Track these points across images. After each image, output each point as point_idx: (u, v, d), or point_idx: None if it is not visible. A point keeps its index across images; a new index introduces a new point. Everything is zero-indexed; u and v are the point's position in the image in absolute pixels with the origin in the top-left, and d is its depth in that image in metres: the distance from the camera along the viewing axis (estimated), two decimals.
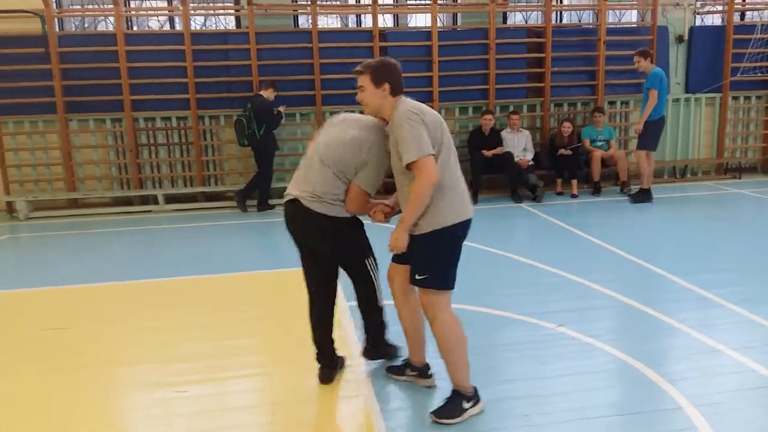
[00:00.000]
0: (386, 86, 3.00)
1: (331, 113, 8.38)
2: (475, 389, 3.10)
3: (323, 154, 3.15)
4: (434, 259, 2.97)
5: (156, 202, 8.51)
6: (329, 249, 3.26)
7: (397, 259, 3.20)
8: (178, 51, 8.42)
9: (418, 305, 3.15)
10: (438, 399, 3.19)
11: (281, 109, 8.13)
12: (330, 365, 3.44)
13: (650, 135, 7.79)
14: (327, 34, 8.76)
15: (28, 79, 8.22)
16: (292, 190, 3.21)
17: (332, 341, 3.45)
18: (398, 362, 3.54)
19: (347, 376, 3.51)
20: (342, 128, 3.22)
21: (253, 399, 3.31)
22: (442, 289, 3.01)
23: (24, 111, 8.33)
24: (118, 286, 5.27)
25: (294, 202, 3.16)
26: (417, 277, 2.98)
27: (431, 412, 3.02)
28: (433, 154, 2.85)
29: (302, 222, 3.18)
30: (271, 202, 8.22)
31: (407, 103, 3.00)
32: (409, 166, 2.83)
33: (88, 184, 8.70)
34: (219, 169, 8.99)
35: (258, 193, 8.19)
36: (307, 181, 3.15)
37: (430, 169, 2.81)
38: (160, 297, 5.00)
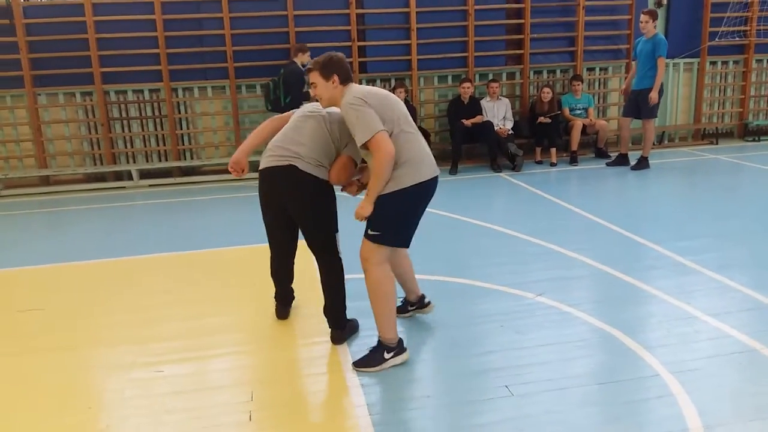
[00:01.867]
0: (335, 78, 3.20)
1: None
2: (400, 341, 3.33)
3: (327, 120, 3.37)
4: (389, 218, 3.19)
5: (130, 178, 8.34)
6: (313, 212, 3.40)
7: None
8: (148, 21, 8.17)
9: (401, 252, 3.60)
10: (416, 374, 3.20)
11: (310, 92, 7.90)
12: (287, 303, 3.93)
13: (655, 103, 7.77)
14: (303, 1, 8.54)
15: None
16: (282, 153, 3.30)
17: (292, 289, 3.93)
18: (397, 303, 3.68)
19: (324, 352, 3.49)
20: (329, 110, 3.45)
21: (231, 378, 3.28)
22: (395, 245, 3.32)
23: None
24: (93, 265, 5.17)
25: (286, 167, 3.27)
26: (370, 232, 3.22)
27: (353, 363, 3.27)
28: (383, 130, 3.03)
29: (294, 184, 3.29)
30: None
31: (352, 90, 3.17)
32: (365, 145, 3.05)
33: (59, 160, 8.50)
34: (194, 143, 8.83)
35: None
36: (299, 145, 3.31)
37: (384, 144, 3.01)
38: (137, 275, 4.91)
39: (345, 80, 3.22)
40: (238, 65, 8.43)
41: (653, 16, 7.65)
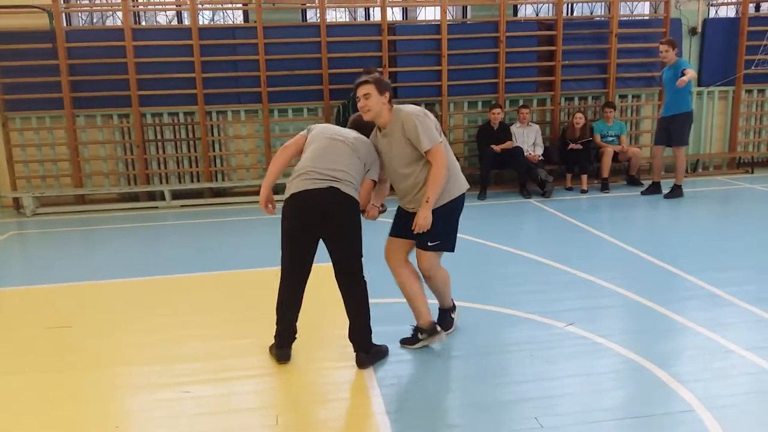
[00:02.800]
0: (387, 95, 3.50)
1: (336, 110, 8.46)
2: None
3: (354, 146, 3.50)
4: (446, 227, 3.61)
5: (163, 198, 8.49)
6: (349, 233, 3.46)
7: (396, 233, 3.77)
8: (185, 46, 8.38)
9: (414, 271, 3.74)
10: (444, 402, 3.15)
11: None
12: (289, 344, 3.65)
13: (685, 129, 7.67)
14: (335, 28, 8.69)
15: (35, 75, 8.21)
16: (319, 176, 3.33)
17: (296, 327, 3.66)
18: (408, 334, 3.81)
19: (349, 377, 3.46)
20: (347, 131, 3.63)
21: (256, 401, 3.27)
22: (450, 250, 3.71)
23: (31, 107, 8.33)
24: (123, 284, 5.25)
25: (327, 189, 3.32)
26: (430, 243, 3.57)
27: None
28: (441, 142, 3.48)
29: (336, 206, 3.36)
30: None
31: (408, 107, 3.53)
32: (426, 153, 3.42)
33: (95, 179, 8.70)
34: (226, 165, 8.96)
35: None
36: (336, 167, 3.38)
37: (442, 154, 3.45)
38: (165, 295, 4.97)
39: (391, 100, 3.56)
40: (271, 90, 8.57)
41: (672, 44, 7.58)
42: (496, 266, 5.41)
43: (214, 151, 8.84)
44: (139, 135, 8.51)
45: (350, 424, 3.01)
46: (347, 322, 3.59)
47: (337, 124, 8.42)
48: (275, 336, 3.64)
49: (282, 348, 3.62)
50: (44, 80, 8.22)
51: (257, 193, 8.51)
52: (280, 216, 3.49)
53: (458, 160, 8.57)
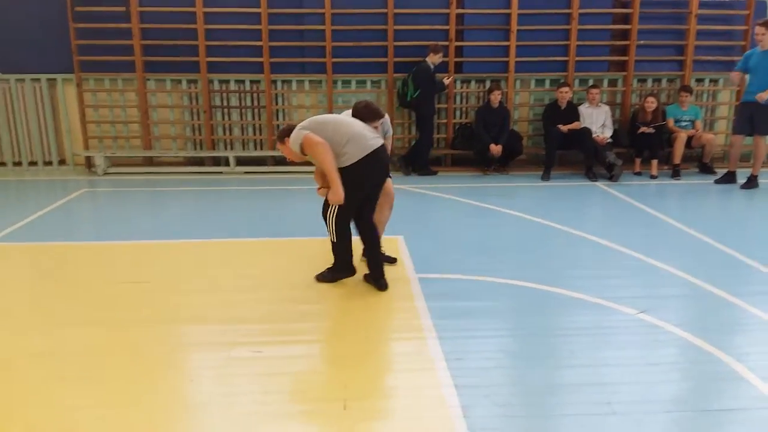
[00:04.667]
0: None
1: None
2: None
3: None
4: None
5: (227, 164, 8.64)
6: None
7: None
8: (254, 14, 8.43)
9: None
10: (512, 379, 3.12)
11: (445, 80, 8.33)
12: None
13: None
14: (403, 0, 8.57)
15: (109, 38, 8.42)
16: (373, 136, 4.13)
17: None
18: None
19: (416, 348, 3.46)
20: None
21: (324, 365, 3.31)
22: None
23: (105, 69, 8.56)
24: (190, 244, 5.38)
25: (383, 146, 4.16)
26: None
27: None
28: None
29: (388, 160, 4.29)
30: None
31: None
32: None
33: (163, 143, 8.92)
34: None
35: (417, 156, 8.42)
36: (369, 130, 4.17)
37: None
38: (231, 257, 5.07)
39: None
40: (336, 61, 8.56)
41: None
42: (561, 248, 5.29)
43: (277, 119, 8.92)
44: (206, 101, 8.65)
45: (418, 396, 3.01)
46: (403, 294, 4.03)
47: (398, 97, 8.40)
48: (344, 265, 4.39)
49: (382, 279, 4.33)
50: (118, 43, 8.42)
51: None
52: (352, 169, 3.97)
53: (522, 139, 8.49)
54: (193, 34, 8.42)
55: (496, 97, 8.21)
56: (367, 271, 4.39)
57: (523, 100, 9.03)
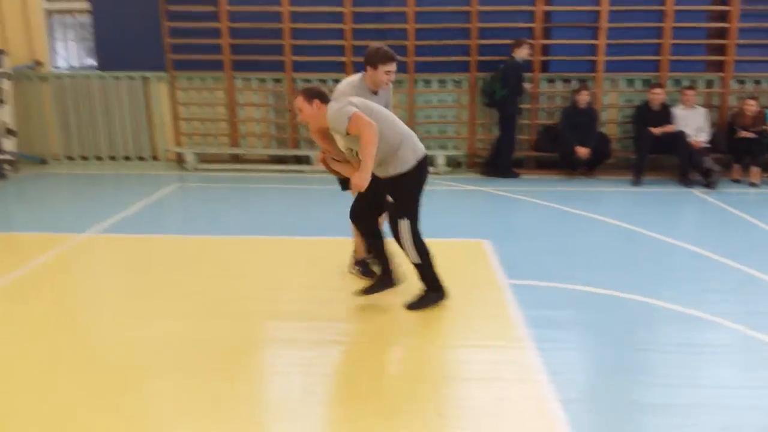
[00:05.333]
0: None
1: (483, 81, 8.27)
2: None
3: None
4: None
5: (309, 163, 8.77)
6: None
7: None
8: (337, 13, 8.50)
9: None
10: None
11: (527, 86, 8.13)
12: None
13: None
14: None
15: (200, 37, 8.70)
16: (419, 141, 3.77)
17: None
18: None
19: (513, 357, 3.38)
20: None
21: (417, 371, 3.29)
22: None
23: (195, 67, 8.85)
24: (275, 241, 5.47)
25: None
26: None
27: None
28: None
29: None
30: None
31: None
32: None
33: (249, 140, 9.15)
34: None
35: (500, 158, 8.20)
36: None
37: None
38: (312, 255, 5.08)
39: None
40: (419, 60, 8.52)
41: None
42: (655, 257, 5.07)
43: None
44: (290, 100, 8.81)
45: (520, 408, 2.93)
46: (496, 300, 3.79)
47: (483, 97, 8.27)
48: (436, 284, 3.93)
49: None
50: (207, 42, 8.69)
51: None
52: (409, 176, 3.68)
53: (610, 142, 8.18)
54: (278, 33, 8.58)
55: (583, 98, 7.96)
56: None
57: (611, 100, 8.70)
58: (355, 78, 4.09)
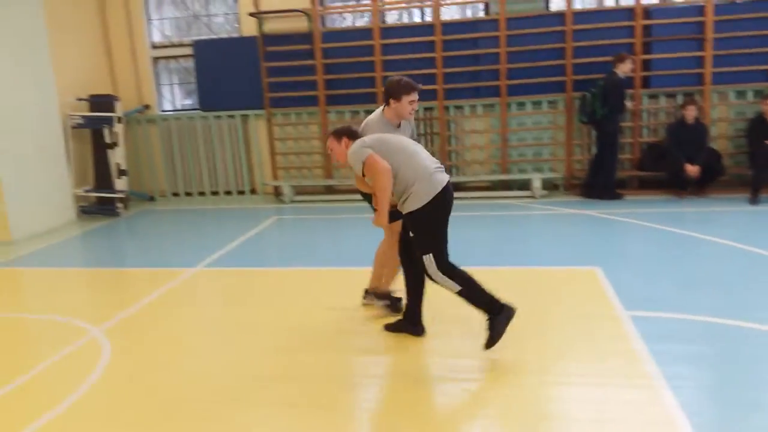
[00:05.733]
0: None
1: (580, 99, 8.00)
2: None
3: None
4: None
5: None
6: None
7: None
8: (427, 43, 8.54)
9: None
10: None
11: (628, 103, 7.78)
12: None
13: None
14: (582, 15, 8.21)
15: (295, 74, 8.98)
16: (440, 166, 3.68)
17: None
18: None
19: (649, 398, 3.13)
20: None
21: (547, 405, 3.11)
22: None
23: (290, 104, 9.14)
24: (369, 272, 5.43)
25: (448, 181, 3.67)
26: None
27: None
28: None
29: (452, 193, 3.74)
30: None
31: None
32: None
33: (342, 171, 9.29)
34: (460, 160, 9.00)
35: (601, 179, 7.87)
36: (434, 161, 3.73)
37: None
38: None
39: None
40: (511, 83, 8.39)
41: None
42: None
43: (450, 145, 8.92)
44: None
45: None
46: (616, 334, 3.45)
47: (581, 114, 7.97)
48: (495, 305, 3.62)
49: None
50: (302, 79, 8.95)
51: (489, 188, 8.55)
52: (426, 211, 3.55)
53: (721, 158, 7.66)
54: (370, 66, 8.71)
55: (690, 113, 7.53)
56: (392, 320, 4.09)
57: (721, 114, 8.19)
58: (377, 113, 4.09)
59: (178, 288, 5.34)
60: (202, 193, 9.73)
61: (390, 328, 4.08)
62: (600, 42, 8.07)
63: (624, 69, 7.59)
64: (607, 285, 4.75)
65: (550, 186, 8.58)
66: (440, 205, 3.59)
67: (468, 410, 3.17)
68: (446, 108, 8.76)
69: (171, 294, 5.19)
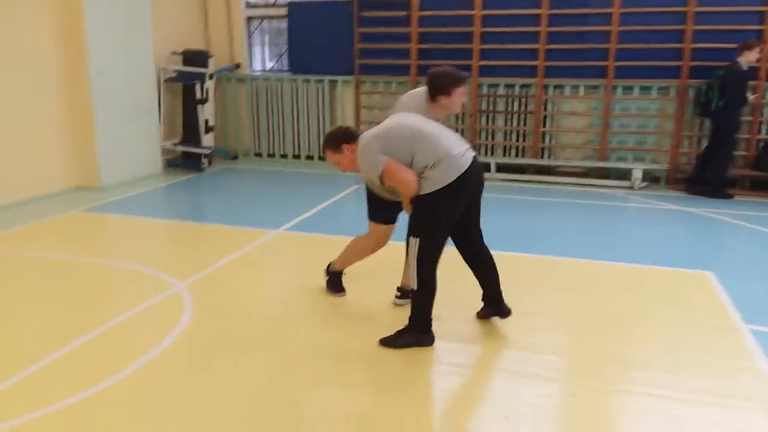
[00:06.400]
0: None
1: (698, 87, 7.36)
2: None
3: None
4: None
5: (488, 170, 8.40)
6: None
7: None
8: (532, 16, 8.05)
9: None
10: None
11: (751, 97, 7.13)
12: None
13: None
14: None
15: (388, 41, 8.70)
16: (464, 147, 3.33)
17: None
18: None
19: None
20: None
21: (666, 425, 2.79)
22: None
23: (381, 71, 8.87)
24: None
25: (476, 157, 3.35)
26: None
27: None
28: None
29: (483, 171, 3.46)
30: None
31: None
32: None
33: None
34: (555, 142, 8.52)
35: (711, 175, 7.29)
36: (460, 140, 3.38)
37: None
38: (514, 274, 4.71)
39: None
40: (620, 64, 7.80)
41: None
42: None
43: (544, 126, 8.45)
44: (474, 105, 8.51)
45: None
46: (737, 348, 3.18)
47: (696, 107, 7.34)
48: (424, 325, 3.40)
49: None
50: (395, 47, 8.66)
51: (584, 174, 8.06)
52: (436, 196, 3.20)
53: None
54: (468, 37, 8.32)
55: None
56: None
57: None
58: (418, 93, 3.70)
59: (261, 247, 5.25)
60: (284, 156, 9.68)
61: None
62: (725, 27, 7.35)
63: (750, 58, 6.89)
64: (722, 292, 4.30)
65: (650, 178, 7.99)
66: (454, 194, 3.20)
67: (574, 417, 2.88)
68: (545, 87, 8.27)
69: (254, 253, 5.11)
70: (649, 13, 7.63)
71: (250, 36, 9.85)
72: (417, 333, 3.39)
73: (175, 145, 8.86)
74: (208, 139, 8.94)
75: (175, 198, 7.47)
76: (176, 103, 9.02)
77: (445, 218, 3.29)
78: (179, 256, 5.22)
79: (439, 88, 3.53)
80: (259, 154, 9.81)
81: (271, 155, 9.75)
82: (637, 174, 7.70)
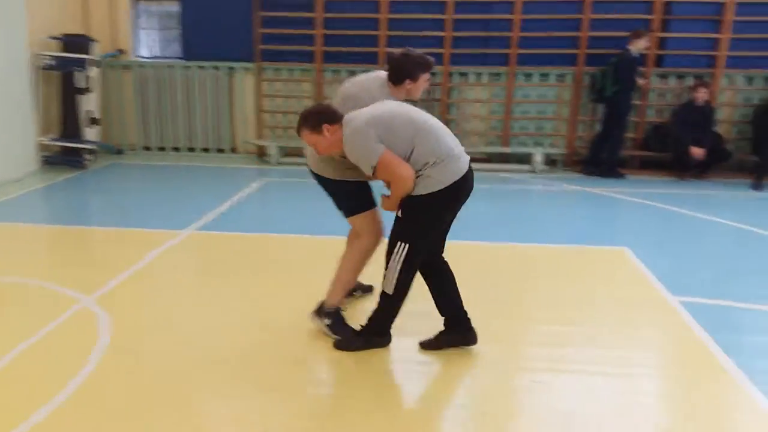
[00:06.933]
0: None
1: (592, 74, 7.73)
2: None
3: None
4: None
5: None
6: None
7: None
8: (438, 3, 8.06)
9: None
10: None
11: (640, 81, 7.50)
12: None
13: None
14: None
15: (291, 27, 8.36)
16: (461, 150, 3.02)
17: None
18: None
19: (732, 394, 2.88)
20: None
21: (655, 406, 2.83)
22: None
23: (284, 58, 8.51)
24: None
25: (470, 166, 3.03)
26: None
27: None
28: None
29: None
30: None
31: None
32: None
33: None
34: (457, 129, 8.61)
35: (605, 156, 7.69)
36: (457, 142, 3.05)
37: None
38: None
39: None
40: (522, 52, 8.02)
41: None
42: None
43: (449, 113, 8.53)
44: None
45: None
46: (671, 321, 3.14)
47: (591, 93, 7.74)
48: (384, 328, 3.22)
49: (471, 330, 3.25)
50: (299, 32, 8.33)
51: (486, 160, 8.21)
52: (431, 199, 2.91)
53: (726, 143, 7.54)
54: (374, 24, 8.18)
55: (701, 95, 7.38)
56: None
57: (728, 99, 8.06)
58: (372, 77, 3.36)
59: (171, 251, 4.78)
60: (176, 149, 9.03)
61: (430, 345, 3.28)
62: (618, 16, 7.78)
63: (639, 46, 7.35)
64: (642, 267, 4.51)
65: (549, 161, 8.32)
66: (452, 198, 2.97)
67: (547, 403, 2.84)
68: (450, 74, 8.33)
69: (165, 258, 4.63)
70: (550, 2, 7.90)
71: (137, 19, 9.07)
72: (373, 335, 3.22)
73: (53, 140, 7.97)
74: (92, 133, 8.13)
75: (58, 200, 6.67)
76: (54, 93, 8.11)
77: (440, 223, 3.06)
78: (77, 267, 4.54)
79: (407, 72, 3.22)
80: (147, 148, 9.07)
81: (161, 149, 9.04)
82: (538, 158, 7.99)
